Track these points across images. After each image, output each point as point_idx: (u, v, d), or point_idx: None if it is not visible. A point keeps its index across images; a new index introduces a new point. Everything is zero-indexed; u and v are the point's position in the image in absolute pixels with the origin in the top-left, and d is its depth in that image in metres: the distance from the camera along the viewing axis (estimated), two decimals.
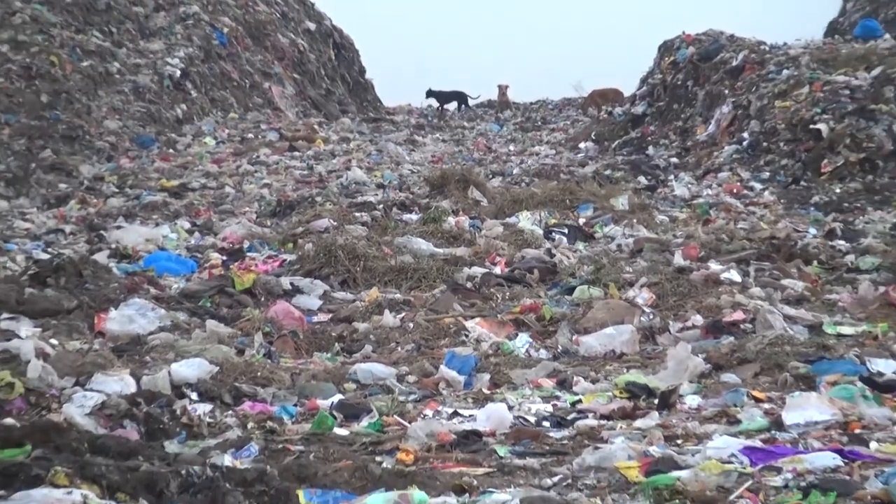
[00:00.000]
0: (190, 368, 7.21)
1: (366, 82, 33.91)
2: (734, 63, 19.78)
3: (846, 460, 5.18)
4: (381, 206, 14.61)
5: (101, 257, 11.61)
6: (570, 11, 70.51)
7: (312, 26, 31.72)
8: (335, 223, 13.14)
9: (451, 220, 13.22)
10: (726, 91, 19.30)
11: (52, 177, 18.22)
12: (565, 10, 72.60)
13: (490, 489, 5.06)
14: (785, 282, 10.20)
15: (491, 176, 18.12)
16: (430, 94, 30.51)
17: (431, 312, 9.60)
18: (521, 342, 8.62)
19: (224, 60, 26.69)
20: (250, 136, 23.23)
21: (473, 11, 69.04)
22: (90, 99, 21.76)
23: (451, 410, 6.80)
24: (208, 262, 11.80)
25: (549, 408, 6.88)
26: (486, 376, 7.72)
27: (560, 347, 8.55)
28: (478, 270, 10.90)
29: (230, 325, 9.17)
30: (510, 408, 6.73)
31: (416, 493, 4.60)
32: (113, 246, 12.59)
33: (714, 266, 10.55)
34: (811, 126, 16.55)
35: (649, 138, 20.91)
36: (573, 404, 6.92)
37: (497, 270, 11.02)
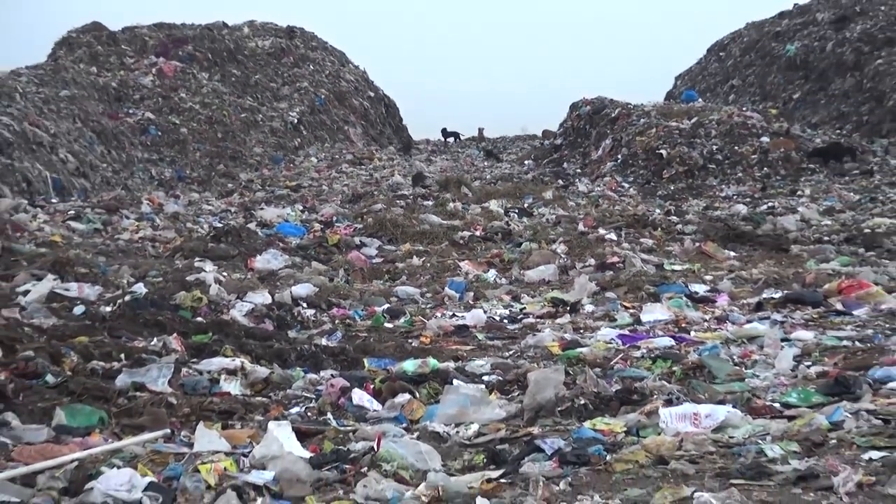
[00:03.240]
0: (303, 289, 7.17)
1: (403, 126, 33.30)
2: (613, 115, 19.36)
3: (677, 342, 5.14)
4: (411, 196, 14.45)
5: (251, 226, 11.50)
6: (522, 79, 70.24)
7: (372, 94, 31.13)
8: (385, 206, 13.01)
9: (451, 204, 13.09)
10: (608, 131, 18.91)
11: (223, 180, 18.18)
12: (524, 79, 72.15)
13: (473, 358, 5.03)
14: (642, 240, 10.13)
15: (474, 180, 17.90)
16: (442, 131, 29.98)
17: (440, 257, 9.53)
18: (491, 274, 8.57)
19: (321, 113, 26.30)
20: (336, 157, 23.04)
21: (462, 83, 68.38)
22: (245, 136, 21.62)
23: (451, 313, 6.76)
24: (312, 228, 11.67)
25: (507, 312, 6.84)
26: (471, 293, 7.67)
27: (513, 277, 8.49)
28: (466, 233, 10.81)
29: (325, 264, 9.10)
30: (485, 312, 6.70)
31: (431, 360, 4.57)
32: (259, 219, 12.47)
33: (601, 230, 10.48)
34: (657, 151, 16.37)
35: (564, 158, 20.58)
36: (521, 310, 6.89)
37: (477, 233, 10.93)
